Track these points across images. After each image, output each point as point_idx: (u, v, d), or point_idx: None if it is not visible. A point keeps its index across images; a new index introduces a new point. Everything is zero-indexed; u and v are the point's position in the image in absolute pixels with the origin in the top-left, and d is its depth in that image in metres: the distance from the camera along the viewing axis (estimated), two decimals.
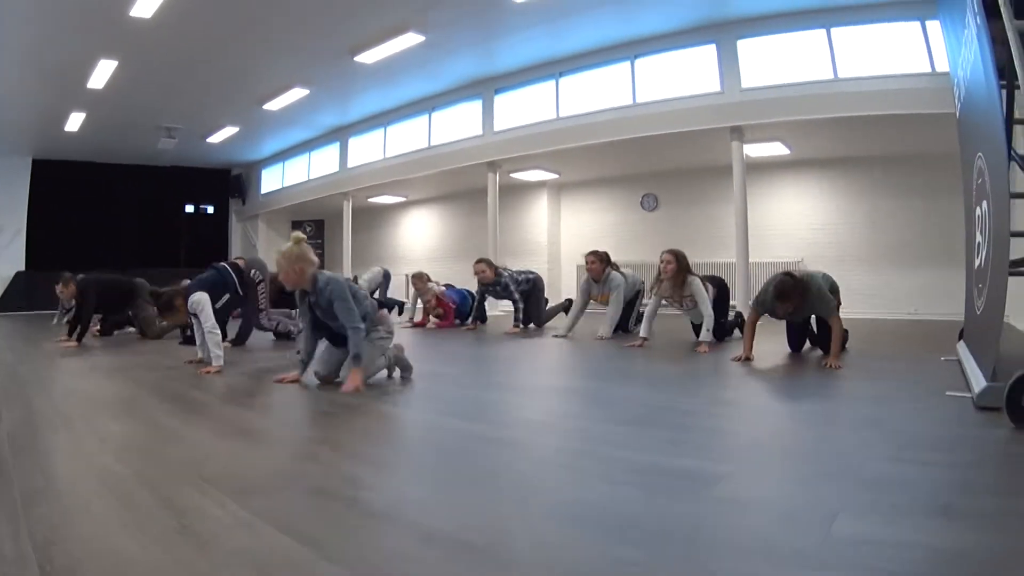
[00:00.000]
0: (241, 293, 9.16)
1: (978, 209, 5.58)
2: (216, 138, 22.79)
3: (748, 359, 7.26)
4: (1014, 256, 4.40)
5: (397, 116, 20.61)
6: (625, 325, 10.92)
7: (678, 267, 9.12)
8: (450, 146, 18.81)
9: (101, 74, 15.94)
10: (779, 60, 13.63)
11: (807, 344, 8.27)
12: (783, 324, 8.11)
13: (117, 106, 18.39)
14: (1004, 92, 5.16)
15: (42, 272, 20.63)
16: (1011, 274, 4.40)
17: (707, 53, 14.40)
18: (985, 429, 4.01)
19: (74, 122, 19.83)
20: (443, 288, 13.67)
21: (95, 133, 20.94)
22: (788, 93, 13.19)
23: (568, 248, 18.54)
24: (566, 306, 12.51)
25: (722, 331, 9.49)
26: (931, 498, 2.79)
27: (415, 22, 13.94)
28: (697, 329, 9.20)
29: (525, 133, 16.99)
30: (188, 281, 8.32)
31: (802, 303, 7.25)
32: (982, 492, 2.92)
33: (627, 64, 15.49)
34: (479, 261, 12.70)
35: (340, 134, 22.87)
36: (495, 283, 12.41)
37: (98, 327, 11.61)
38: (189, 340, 8.98)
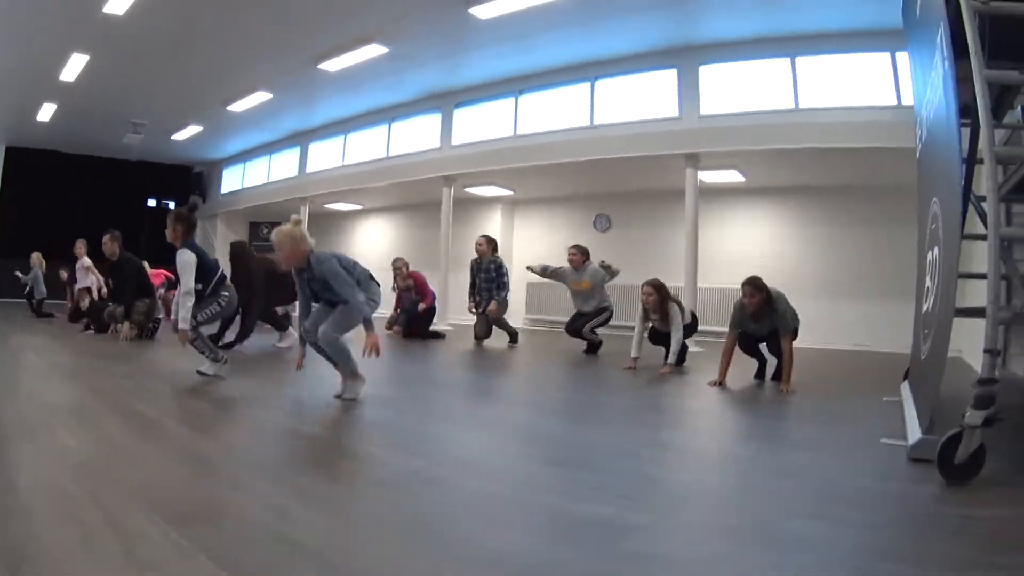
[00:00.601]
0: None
1: (930, 254, 5.52)
2: (181, 135, 22.55)
3: (722, 383, 7.69)
4: (970, 304, 4.40)
5: (357, 124, 20.32)
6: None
7: (659, 298, 9.32)
8: (408, 158, 18.49)
9: (73, 67, 15.84)
10: (741, 88, 13.47)
11: (764, 376, 8.35)
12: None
13: (88, 99, 18.23)
14: (968, 131, 5.02)
15: (4, 258, 20.28)
16: (957, 314, 4.31)
17: (668, 77, 14.22)
18: (914, 485, 3.89)
19: (46, 112, 19.74)
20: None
21: (66, 124, 20.85)
22: (747, 122, 13.02)
23: (520, 264, 18.35)
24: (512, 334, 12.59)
25: (683, 352, 9.47)
26: (842, 561, 2.72)
27: (381, 33, 13.79)
28: (664, 347, 9.47)
29: (482, 149, 16.72)
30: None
31: (768, 309, 7.73)
32: (896, 558, 2.79)
33: (587, 85, 15.29)
34: (482, 236, 12.87)
35: (301, 139, 22.55)
36: (490, 263, 12.46)
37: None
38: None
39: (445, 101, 17.76)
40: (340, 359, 6.14)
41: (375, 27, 13.56)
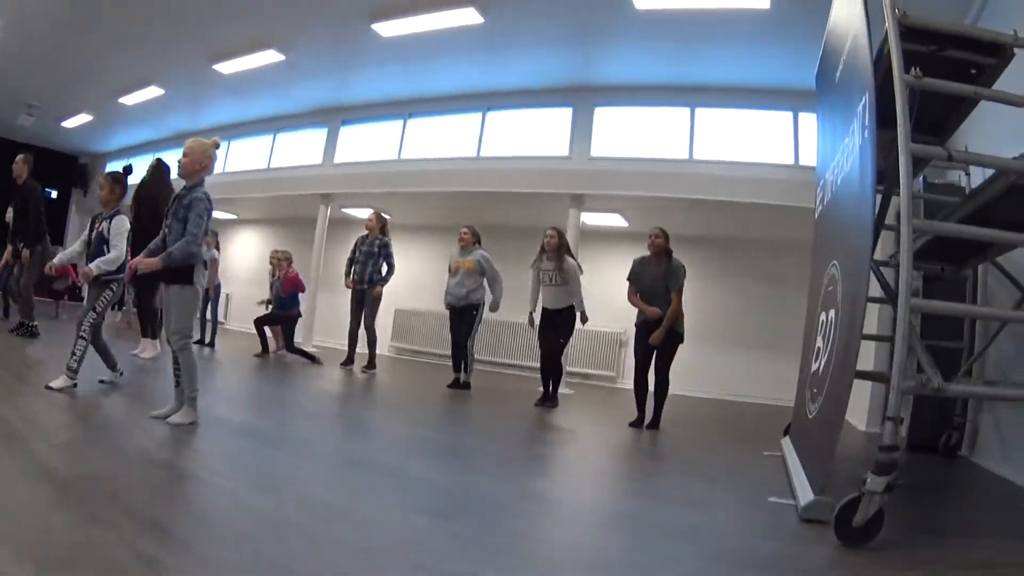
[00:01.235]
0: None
1: (823, 315, 5.51)
2: (71, 123, 21.21)
3: (653, 313, 8.32)
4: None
5: (243, 131, 19.25)
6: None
7: (559, 243, 9.53)
8: (289, 171, 17.66)
9: None
10: (636, 133, 13.32)
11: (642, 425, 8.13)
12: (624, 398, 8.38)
13: None
14: (879, 197, 5.12)
15: None
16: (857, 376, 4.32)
17: (563, 115, 13.94)
18: (808, 546, 3.78)
19: None
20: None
21: None
22: (639, 168, 12.86)
23: (386, 290, 17.69)
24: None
25: (558, 374, 9.60)
26: None
27: (279, 40, 13.23)
28: (545, 379, 9.53)
29: (364, 170, 16.09)
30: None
31: (666, 257, 8.64)
32: None
33: (479, 115, 14.87)
34: (374, 212, 12.32)
35: (185, 140, 21.21)
36: (375, 240, 11.81)
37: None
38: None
39: (332, 117, 17.08)
40: (185, 374, 5.45)
41: (275, 32, 13.01)
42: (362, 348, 11.89)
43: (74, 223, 26.00)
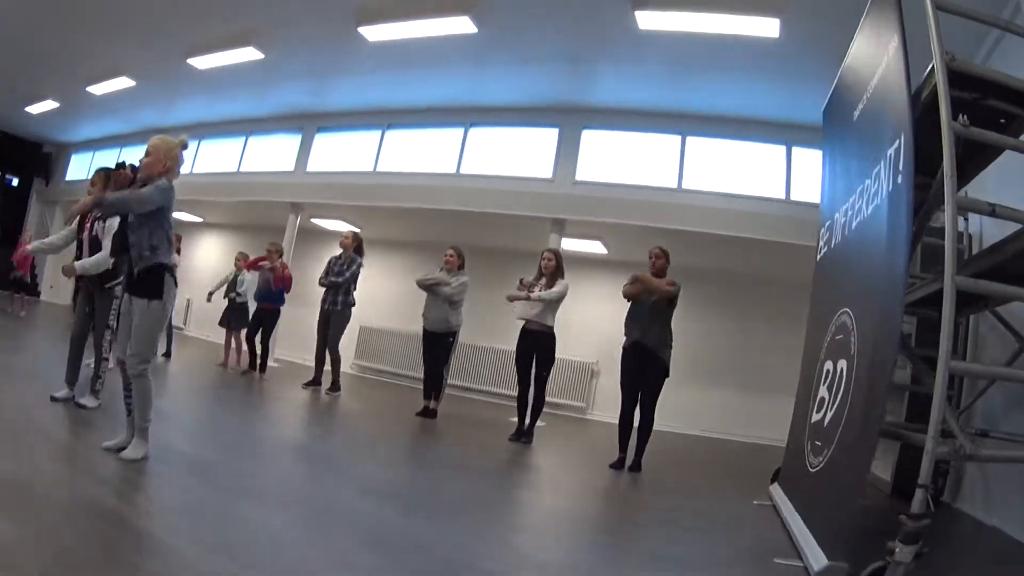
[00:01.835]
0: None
1: (828, 364, 5.43)
2: (36, 108, 20.40)
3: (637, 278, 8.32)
4: None
5: (214, 131, 18.65)
6: None
7: (557, 265, 9.39)
8: (259, 176, 17.11)
9: None
10: (625, 158, 13.10)
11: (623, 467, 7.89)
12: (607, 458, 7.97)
13: None
14: None
15: None
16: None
17: (548, 136, 13.65)
18: None
19: None
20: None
21: None
22: (624, 195, 12.67)
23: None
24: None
25: (539, 406, 9.30)
26: None
27: (259, 37, 12.71)
28: (521, 412, 9.26)
29: (337, 181, 15.59)
30: None
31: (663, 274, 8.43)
32: None
33: (460, 131, 14.49)
34: (351, 231, 11.90)
35: (154, 136, 20.80)
36: (345, 260, 11.40)
37: None
38: None
39: (308, 123, 16.57)
40: (138, 403, 4.92)
41: (255, 28, 12.47)
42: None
43: (33, 212, 25.55)
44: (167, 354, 12.30)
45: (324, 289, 11.42)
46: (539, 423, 9.61)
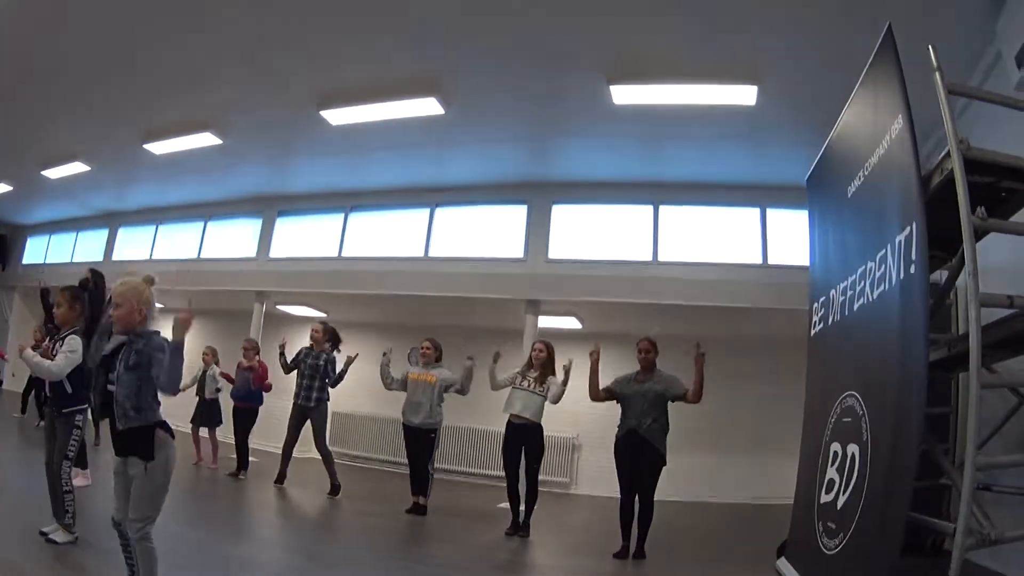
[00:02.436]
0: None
1: (835, 446, 5.40)
2: None
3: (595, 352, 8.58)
4: None
5: (172, 216, 18.31)
6: None
7: (548, 357, 9.34)
8: (221, 263, 16.69)
9: None
10: (598, 232, 13.00)
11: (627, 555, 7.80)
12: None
13: None
14: None
15: None
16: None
17: (517, 213, 13.51)
18: None
19: None
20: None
21: None
22: (598, 272, 12.56)
23: None
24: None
25: (533, 497, 8.99)
26: None
27: (217, 122, 12.48)
28: (514, 504, 8.99)
29: (301, 268, 15.30)
30: None
31: (655, 369, 8.39)
32: None
33: (427, 211, 14.29)
34: (320, 323, 11.61)
35: (111, 220, 20.19)
36: (321, 354, 11.18)
37: None
38: None
39: (268, 206, 16.22)
40: (144, 567, 4.23)
41: (214, 113, 12.27)
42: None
43: None
44: None
45: (297, 379, 11.09)
46: None
